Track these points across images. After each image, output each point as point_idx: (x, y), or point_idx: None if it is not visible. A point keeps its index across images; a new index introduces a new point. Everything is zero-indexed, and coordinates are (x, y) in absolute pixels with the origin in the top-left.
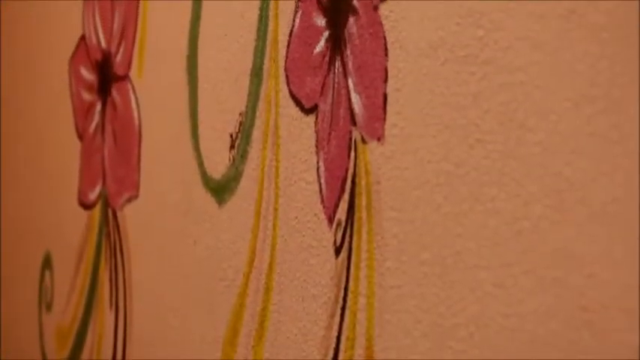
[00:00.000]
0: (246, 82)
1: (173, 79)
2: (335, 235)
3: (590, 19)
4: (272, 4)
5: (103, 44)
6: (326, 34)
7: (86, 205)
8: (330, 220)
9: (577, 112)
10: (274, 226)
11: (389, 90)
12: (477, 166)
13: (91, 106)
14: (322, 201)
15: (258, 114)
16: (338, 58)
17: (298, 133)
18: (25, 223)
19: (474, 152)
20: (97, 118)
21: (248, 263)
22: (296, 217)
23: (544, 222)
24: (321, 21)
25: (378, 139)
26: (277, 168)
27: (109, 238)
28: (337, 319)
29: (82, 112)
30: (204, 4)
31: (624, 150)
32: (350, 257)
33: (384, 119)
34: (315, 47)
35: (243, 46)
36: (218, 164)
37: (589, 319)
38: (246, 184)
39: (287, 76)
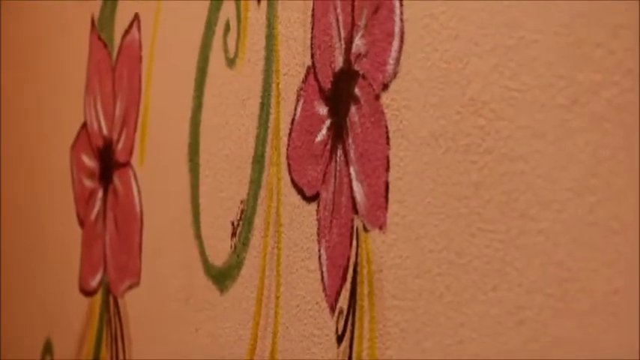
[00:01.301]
0: (247, 169)
1: (174, 167)
2: (337, 323)
3: (592, 108)
4: (274, 92)
5: (105, 131)
6: (328, 122)
7: (87, 292)
8: (332, 308)
9: (578, 201)
10: (276, 313)
11: (391, 179)
12: (479, 255)
13: (93, 193)
14: (324, 289)
15: (259, 201)
16: (340, 146)
17: (300, 221)
18: (26, 309)
19: (475, 241)
20: (98, 205)
21: (249, 351)
22: (297, 305)
23: (546, 311)
24: (322, 109)
25: (380, 228)
26: (279, 256)
27: (110, 325)
28: None
29: (84, 199)
30: (206, 92)
31: (625, 240)
32: (352, 346)
33: (386, 208)
34: (316, 135)
35: (244, 134)
36: (219, 251)
37: None
38: (248, 272)
39: (289, 164)
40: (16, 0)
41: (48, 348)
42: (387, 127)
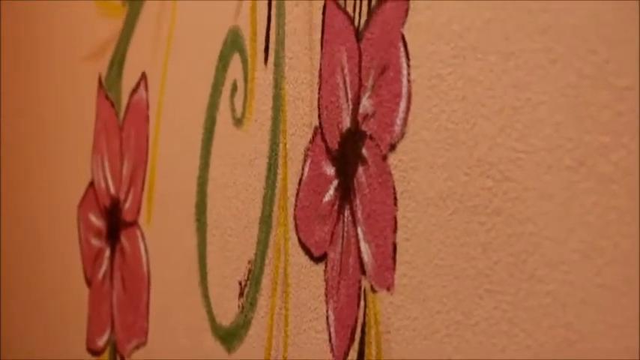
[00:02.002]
0: (255, 229)
1: (182, 226)
2: None
3: (599, 170)
4: (281, 153)
5: (112, 190)
6: (335, 182)
7: (94, 352)
8: None
9: (587, 263)
10: None
11: (398, 239)
12: (487, 317)
13: (100, 252)
14: (332, 350)
15: (267, 262)
16: (347, 207)
17: (307, 282)
18: None
19: (483, 302)
20: (105, 264)
21: None
22: None
23: None
24: (330, 170)
25: (388, 289)
26: (286, 316)
27: None
28: None
29: (91, 259)
30: (214, 152)
31: (633, 302)
32: None
33: (394, 269)
34: (324, 196)
35: (251, 194)
36: (227, 312)
37: None
38: (256, 332)
39: (296, 225)
40: (24, 55)
41: None
42: (394, 188)
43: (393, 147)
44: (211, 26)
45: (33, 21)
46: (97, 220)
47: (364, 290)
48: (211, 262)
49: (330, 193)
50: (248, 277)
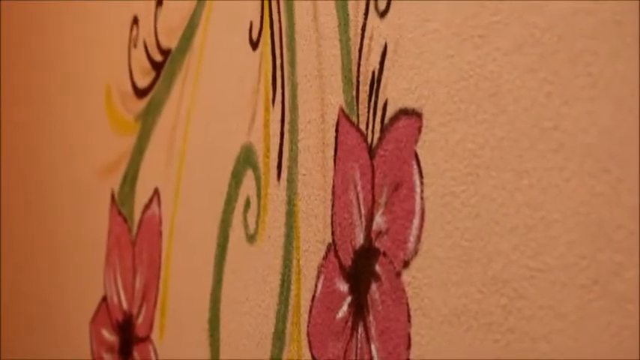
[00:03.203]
0: (268, 345)
1: (195, 342)
2: None
3: (613, 289)
4: (294, 269)
5: (125, 305)
6: (348, 299)
7: None
8: None
9: None
10: None
11: (412, 357)
12: None
13: None
14: None
15: None
16: (361, 323)
17: None
18: None
19: None
20: None
21: None
22: None
23: None
24: (343, 286)
25: None
26: None
27: None
28: None
29: None
30: (227, 268)
31: None
32: None
33: None
34: (337, 312)
35: (265, 310)
36: None
37: None
38: None
39: (309, 341)
40: (33, 171)
41: None
42: (408, 305)
43: (406, 264)
44: (224, 142)
45: (47, 137)
46: (109, 336)
47: None
48: None
49: (343, 310)
50: None
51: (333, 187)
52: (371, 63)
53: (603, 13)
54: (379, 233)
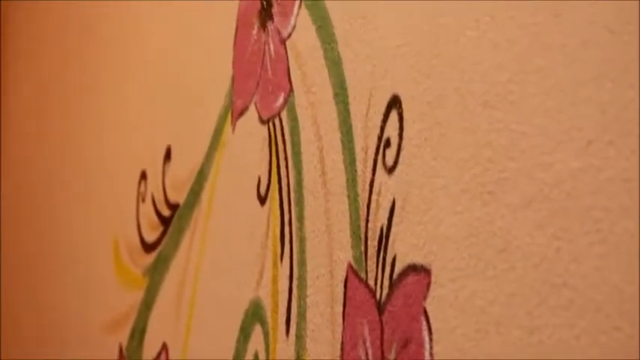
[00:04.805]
0: None
1: None
2: None
3: None
4: None
5: None
6: None
7: None
8: None
9: None
10: None
11: None
12: None
13: None
14: None
15: None
16: None
17: None
18: None
19: None
20: None
21: None
22: None
23: None
24: None
25: None
26: None
27: None
28: None
29: None
30: None
31: None
32: None
33: None
34: None
35: None
36: None
37: None
38: None
39: None
40: (42, 324)
41: None
42: None
43: None
44: (233, 297)
45: (57, 292)
46: None
47: None
48: None
49: None
50: None
51: (342, 343)
52: (379, 219)
53: (611, 169)
54: None
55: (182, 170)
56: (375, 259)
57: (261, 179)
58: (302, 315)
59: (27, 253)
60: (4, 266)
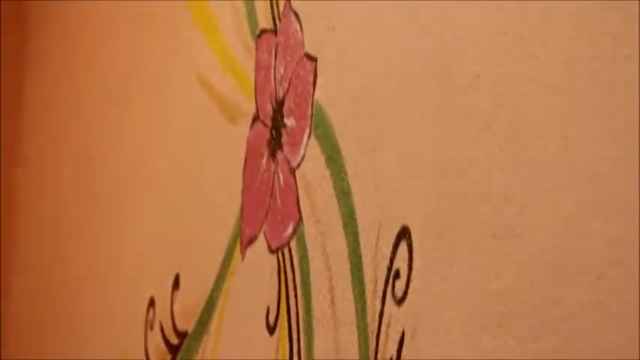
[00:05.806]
0: None
1: None
2: None
3: None
4: None
5: None
6: None
7: None
8: None
9: None
10: None
11: None
12: None
13: None
14: None
15: None
16: None
17: None
18: None
19: None
20: None
21: None
22: None
23: None
24: None
25: None
26: None
27: None
28: None
29: None
30: None
31: None
32: None
33: None
34: None
35: None
36: None
37: None
38: None
39: None
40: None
41: None
42: None
43: None
44: None
45: None
46: None
47: None
48: None
49: None
50: None
51: None
52: (388, 350)
53: (620, 304)
54: None
55: (191, 298)
56: None
57: (270, 308)
58: None
59: None
60: None
